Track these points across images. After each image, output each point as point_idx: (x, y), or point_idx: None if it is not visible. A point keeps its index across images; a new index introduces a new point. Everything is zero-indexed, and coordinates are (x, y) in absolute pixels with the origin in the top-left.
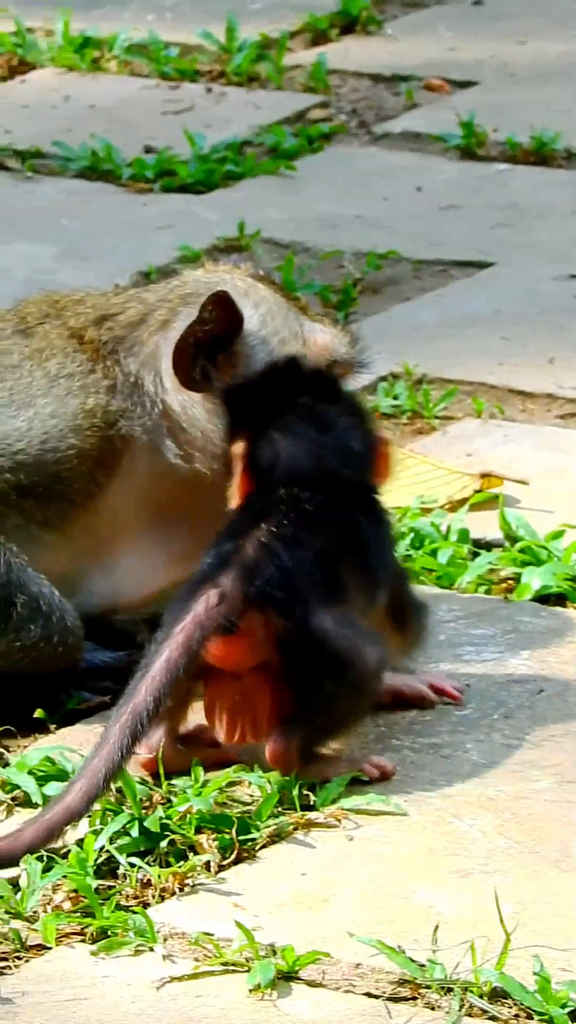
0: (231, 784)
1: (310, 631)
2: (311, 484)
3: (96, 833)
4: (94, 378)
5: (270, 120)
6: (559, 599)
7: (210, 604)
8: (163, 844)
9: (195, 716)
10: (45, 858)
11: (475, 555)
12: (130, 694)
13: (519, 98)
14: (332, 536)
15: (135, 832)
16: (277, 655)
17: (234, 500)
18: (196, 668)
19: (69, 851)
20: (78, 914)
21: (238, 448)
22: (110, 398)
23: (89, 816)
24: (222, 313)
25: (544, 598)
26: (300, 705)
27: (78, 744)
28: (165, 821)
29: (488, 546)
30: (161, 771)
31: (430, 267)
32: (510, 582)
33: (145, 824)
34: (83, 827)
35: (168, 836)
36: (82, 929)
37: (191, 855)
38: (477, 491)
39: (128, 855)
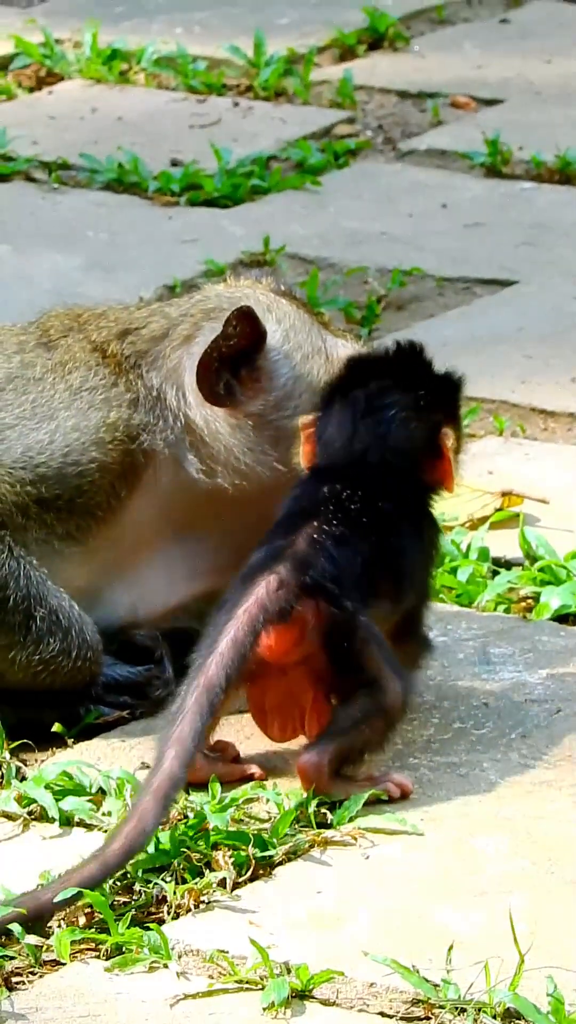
0: (248, 801)
1: (356, 625)
2: (358, 472)
3: None
4: (116, 392)
5: (296, 135)
6: None
7: (271, 588)
8: (178, 860)
9: (217, 733)
10: (60, 873)
11: (495, 573)
12: (199, 670)
13: (545, 116)
14: (373, 538)
15: (151, 848)
16: (323, 648)
17: (304, 466)
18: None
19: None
20: (93, 930)
21: (307, 418)
22: (132, 412)
23: (104, 832)
24: (246, 328)
25: (563, 617)
26: (335, 719)
27: (96, 759)
28: (181, 837)
29: (508, 565)
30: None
31: (454, 284)
32: (529, 601)
33: (161, 840)
34: (98, 842)
35: (184, 852)
36: (96, 945)
37: (207, 872)
38: (498, 509)
39: (143, 871)
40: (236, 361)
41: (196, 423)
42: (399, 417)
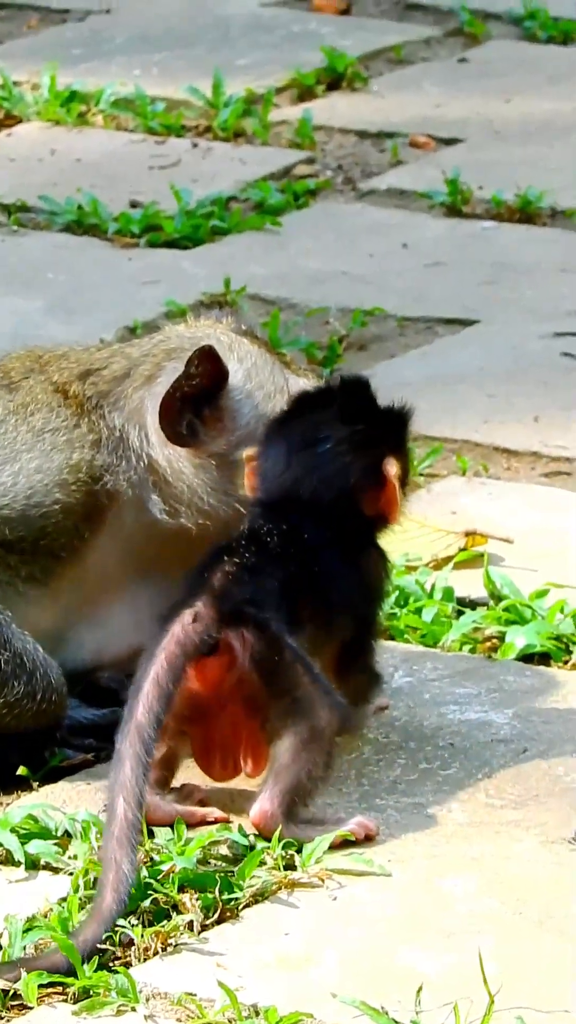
0: (213, 843)
1: (282, 645)
2: (291, 505)
3: (77, 891)
4: (79, 432)
5: (256, 175)
6: (543, 658)
7: (186, 623)
8: (145, 903)
9: (183, 775)
10: (26, 917)
11: (460, 613)
12: (128, 716)
13: (504, 155)
14: (292, 566)
15: None
16: (254, 673)
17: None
18: (181, 705)
19: (51, 910)
20: (59, 973)
21: (250, 451)
22: (95, 452)
23: (71, 875)
24: (208, 367)
25: (528, 657)
26: (274, 755)
27: (61, 802)
28: (148, 880)
29: (472, 604)
30: (144, 827)
31: (416, 324)
32: (494, 641)
33: None
34: (64, 885)
35: (150, 895)
36: (64, 989)
37: (173, 914)
38: (462, 549)
39: None
40: (198, 401)
41: (159, 463)
42: (333, 450)
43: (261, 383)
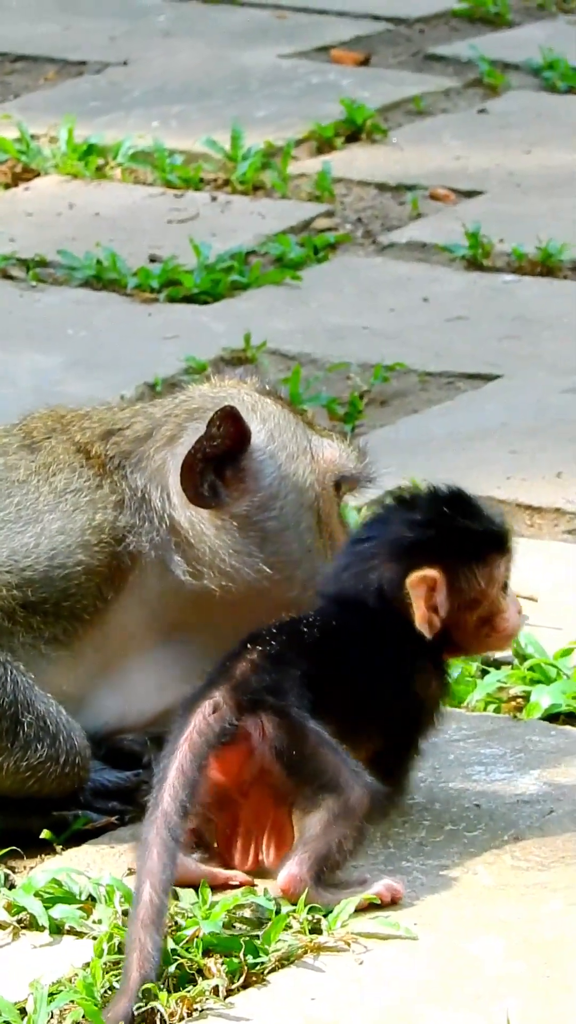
0: (239, 907)
1: (305, 731)
2: (340, 603)
3: (101, 956)
4: (102, 493)
5: (275, 229)
6: (569, 718)
7: (206, 713)
8: (171, 968)
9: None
10: (51, 982)
11: (484, 673)
12: (154, 803)
13: (525, 208)
14: (317, 657)
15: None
16: (276, 761)
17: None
18: (204, 790)
19: (76, 975)
20: None
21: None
22: (118, 514)
23: (95, 939)
24: (230, 428)
25: (554, 716)
26: (304, 827)
27: (85, 865)
28: (172, 945)
29: (497, 664)
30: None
31: (437, 379)
32: (519, 700)
33: None
34: (88, 951)
35: (176, 960)
36: None
37: (199, 979)
38: None
39: None
40: (221, 461)
41: (181, 524)
42: (369, 550)
43: (284, 444)
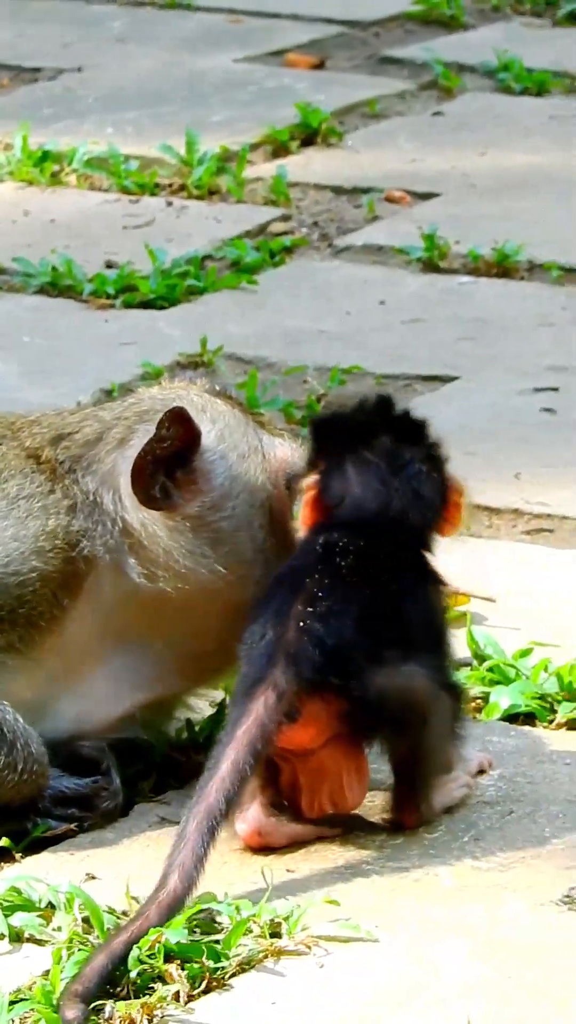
0: (199, 912)
1: (369, 700)
2: (370, 527)
3: (60, 963)
4: (54, 498)
5: (231, 234)
6: (528, 718)
7: (269, 703)
8: (132, 974)
9: None
10: (11, 990)
11: None
12: (201, 796)
13: (481, 210)
14: (370, 596)
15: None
16: (346, 728)
17: (301, 531)
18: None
19: (36, 983)
20: None
21: (310, 478)
22: (71, 518)
23: (54, 947)
24: (179, 429)
25: (513, 717)
26: (398, 765)
27: (44, 873)
28: (134, 952)
29: (456, 665)
30: (128, 896)
31: (394, 381)
32: (479, 701)
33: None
34: (47, 958)
35: (137, 966)
36: None
37: (159, 985)
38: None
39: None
40: (171, 463)
41: (134, 527)
42: (421, 473)
43: (234, 444)
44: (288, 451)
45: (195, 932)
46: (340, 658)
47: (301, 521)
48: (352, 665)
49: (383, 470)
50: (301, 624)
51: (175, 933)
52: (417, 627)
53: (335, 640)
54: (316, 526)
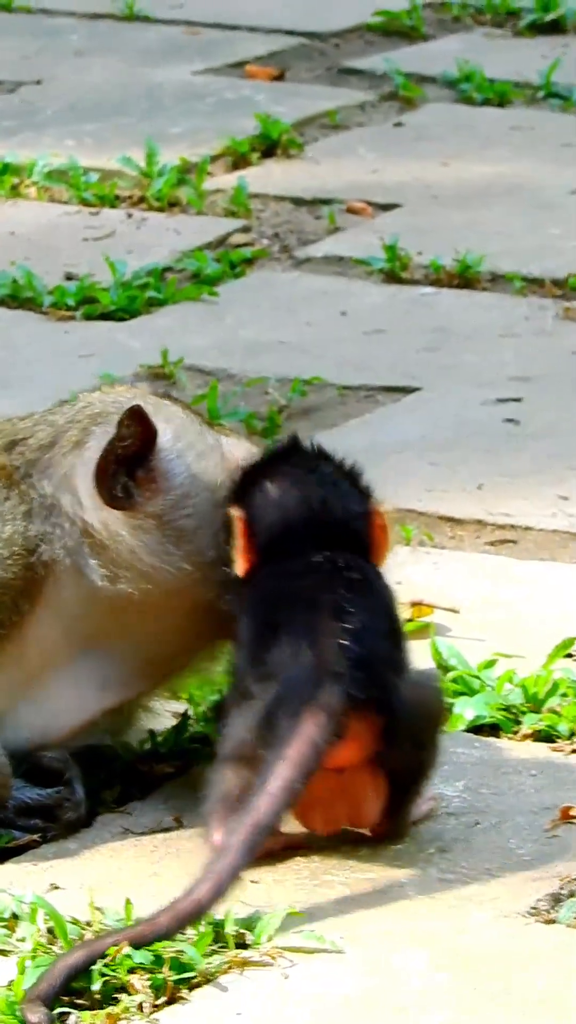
0: None
1: (403, 714)
2: (318, 541)
3: (24, 974)
4: (10, 504)
5: (191, 245)
6: (492, 729)
7: (320, 723)
8: (94, 986)
9: None
10: None
11: None
12: (249, 810)
13: (443, 220)
14: (382, 608)
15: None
16: (383, 744)
17: (240, 568)
18: None
19: None
20: None
21: (236, 511)
22: (27, 523)
23: (17, 956)
24: (138, 428)
25: (477, 728)
26: (399, 776)
27: (8, 883)
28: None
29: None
30: (91, 906)
31: (356, 393)
32: None
33: None
34: (11, 968)
35: (100, 978)
36: None
37: (123, 996)
38: (408, 620)
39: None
40: (131, 462)
41: (94, 527)
42: (346, 488)
43: (191, 443)
44: (243, 449)
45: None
46: (379, 674)
47: (239, 558)
48: (389, 680)
49: (313, 489)
50: (341, 642)
51: (140, 954)
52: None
53: (373, 656)
54: (260, 561)
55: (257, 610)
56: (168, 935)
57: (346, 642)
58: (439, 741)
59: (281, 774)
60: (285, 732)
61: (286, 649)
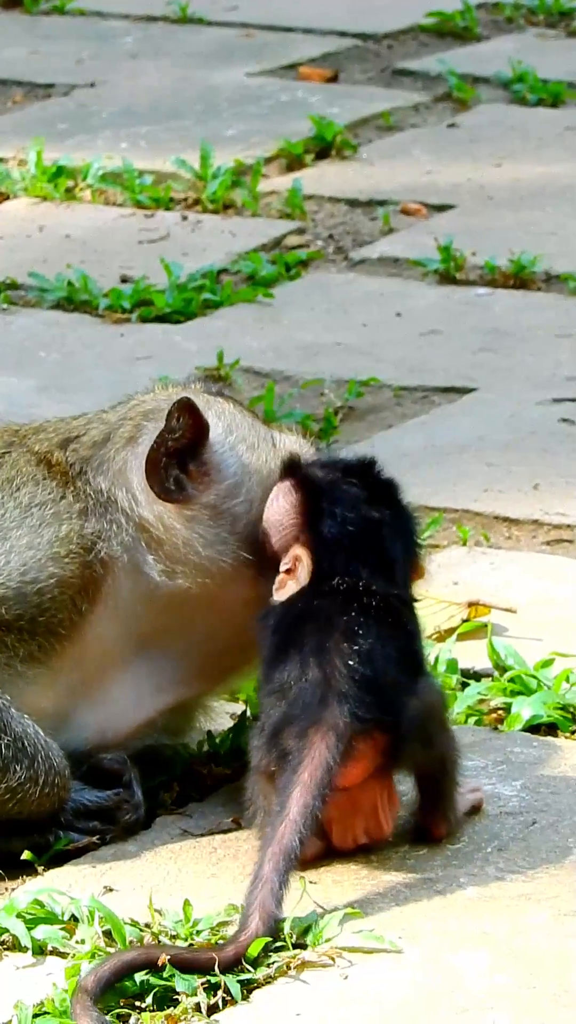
0: (222, 923)
1: (408, 730)
2: (367, 577)
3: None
4: (65, 503)
5: (246, 247)
6: (550, 728)
7: (331, 745)
8: (155, 986)
9: None
10: (34, 1003)
11: (464, 685)
12: (273, 838)
13: (497, 221)
14: (393, 629)
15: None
16: (387, 760)
17: (282, 593)
18: None
19: (59, 996)
20: None
21: (302, 550)
22: (83, 521)
23: (76, 960)
24: (189, 421)
25: (535, 727)
26: (424, 780)
27: (67, 886)
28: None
29: (477, 676)
30: (150, 908)
31: (412, 394)
32: (500, 712)
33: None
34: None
35: (158, 979)
36: None
37: (181, 997)
38: (465, 620)
39: (117, 999)
40: (182, 455)
41: (149, 521)
42: (394, 527)
43: (243, 436)
44: (295, 441)
45: (220, 945)
46: (386, 695)
47: (278, 586)
48: (395, 700)
49: (371, 526)
50: (349, 663)
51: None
52: (416, 645)
53: (381, 678)
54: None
55: (280, 628)
56: (228, 967)
57: (355, 663)
58: (449, 729)
59: (299, 799)
60: (298, 753)
61: (292, 670)
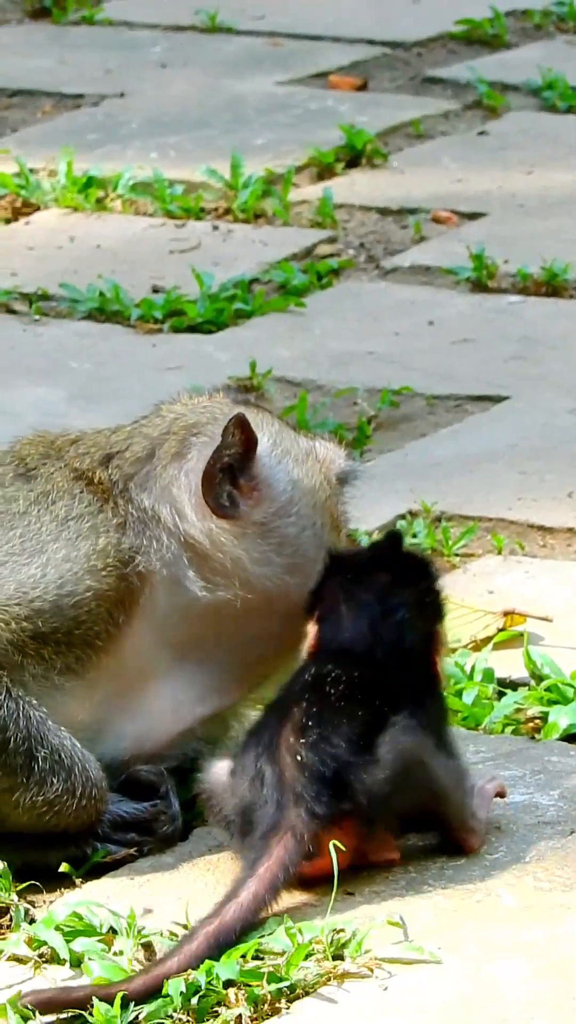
0: (261, 935)
1: (380, 801)
2: (358, 664)
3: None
4: (103, 517)
5: (278, 257)
6: None
7: (289, 848)
8: (193, 1000)
9: None
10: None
11: (501, 695)
12: (216, 913)
13: (528, 229)
14: (356, 708)
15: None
16: (369, 832)
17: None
18: None
19: (97, 1008)
20: None
21: (312, 617)
22: (121, 536)
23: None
24: (242, 436)
25: (572, 737)
26: (425, 815)
27: (105, 898)
28: (195, 975)
29: (514, 685)
30: (187, 921)
31: (445, 402)
32: (537, 721)
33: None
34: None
35: (198, 991)
36: None
37: (221, 1009)
38: (500, 629)
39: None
40: (234, 471)
41: (196, 538)
42: (407, 619)
43: (287, 449)
44: (331, 450)
45: (258, 956)
46: (342, 783)
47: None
48: (356, 783)
49: (366, 613)
50: (297, 757)
51: (226, 968)
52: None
53: (332, 768)
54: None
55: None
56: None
57: (303, 756)
58: (437, 758)
59: (251, 888)
60: (255, 853)
61: (248, 763)
